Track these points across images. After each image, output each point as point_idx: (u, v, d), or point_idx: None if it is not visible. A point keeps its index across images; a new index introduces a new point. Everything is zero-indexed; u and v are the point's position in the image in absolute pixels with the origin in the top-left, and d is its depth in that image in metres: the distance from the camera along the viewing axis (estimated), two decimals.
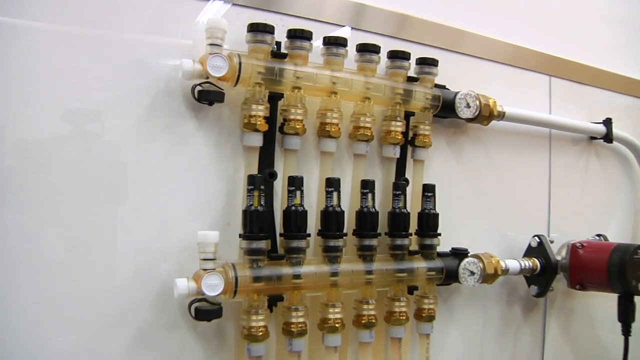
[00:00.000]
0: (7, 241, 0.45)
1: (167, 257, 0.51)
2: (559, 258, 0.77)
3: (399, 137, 0.61)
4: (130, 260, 0.50)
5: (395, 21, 0.65)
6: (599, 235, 0.85)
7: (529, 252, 0.76)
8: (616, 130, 0.89)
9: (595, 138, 0.89)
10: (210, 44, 0.50)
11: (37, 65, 0.46)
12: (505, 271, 0.69)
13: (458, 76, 0.70)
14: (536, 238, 0.76)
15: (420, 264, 0.61)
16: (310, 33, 0.55)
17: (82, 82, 0.48)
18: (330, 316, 0.55)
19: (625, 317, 0.75)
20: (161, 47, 0.52)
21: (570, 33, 0.88)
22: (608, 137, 0.88)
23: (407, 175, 0.64)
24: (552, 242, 0.77)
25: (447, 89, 0.66)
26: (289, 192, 0.54)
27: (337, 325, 0.55)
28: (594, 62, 0.89)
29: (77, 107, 0.48)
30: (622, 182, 0.96)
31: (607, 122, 0.88)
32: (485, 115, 0.67)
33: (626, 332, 0.75)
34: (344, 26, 0.61)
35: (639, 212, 0.98)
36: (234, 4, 0.55)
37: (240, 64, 0.51)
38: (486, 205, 0.75)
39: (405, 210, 0.60)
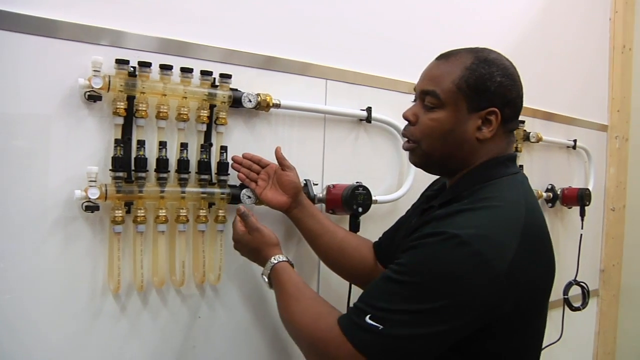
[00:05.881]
0: None
1: (74, 180, 1.12)
2: (321, 195, 1.44)
3: (205, 119, 1.24)
4: (58, 182, 1.11)
5: (221, 52, 1.28)
6: (357, 182, 1.51)
7: None
8: (376, 114, 1.55)
9: (362, 120, 1.56)
10: (93, 70, 1.11)
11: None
12: None
13: (270, 83, 1.36)
14: (303, 180, 1.41)
15: (215, 190, 1.25)
16: (150, 63, 1.16)
17: (31, 87, 1.08)
18: (161, 213, 1.19)
19: (353, 228, 1.42)
20: (71, 71, 1.11)
21: (343, 49, 1.53)
22: (368, 119, 1.55)
23: (212, 141, 1.27)
24: (316, 184, 1.43)
25: (238, 90, 1.29)
26: (137, 148, 1.16)
27: (163, 219, 1.19)
28: (361, 69, 1.56)
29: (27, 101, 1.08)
30: (389, 150, 1.64)
31: (368, 109, 1.54)
32: (264, 105, 1.32)
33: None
34: (176, 56, 1.24)
35: (402, 172, 1.66)
36: (112, 46, 1.16)
37: (109, 80, 1.12)
38: (272, 160, 1.39)
39: (207, 159, 1.24)
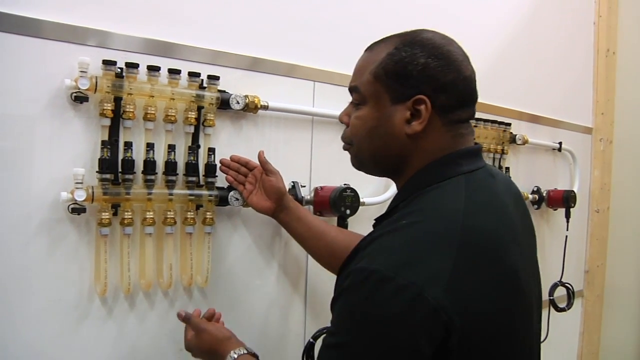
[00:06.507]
0: None
1: (60, 182, 1.11)
2: (308, 197, 1.44)
3: (193, 121, 1.23)
4: (43, 183, 1.10)
5: (208, 53, 1.27)
6: (345, 184, 1.51)
7: (289, 192, 1.42)
8: None
9: None
10: (80, 71, 1.10)
11: None
12: None
13: (257, 84, 1.35)
14: (291, 182, 1.41)
15: (203, 192, 1.25)
16: (137, 64, 1.15)
17: (16, 87, 1.07)
18: (148, 216, 1.18)
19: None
20: (57, 71, 1.10)
21: (330, 51, 1.53)
22: None
23: (200, 143, 1.26)
24: (303, 186, 1.43)
25: (226, 92, 1.28)
26: (125, 150, 1.15)
27: (151, 222, 1.18)
28: (348, 70, 1.55)
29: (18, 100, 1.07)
30: None
31: None
32: (252, 107, 1.31)
33: None
34: (163, 57, 1.23)
35: None
36: (99, 47, 1.15)
37: (96, 82, 1.11)
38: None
39: (195, 161, 1.23)
